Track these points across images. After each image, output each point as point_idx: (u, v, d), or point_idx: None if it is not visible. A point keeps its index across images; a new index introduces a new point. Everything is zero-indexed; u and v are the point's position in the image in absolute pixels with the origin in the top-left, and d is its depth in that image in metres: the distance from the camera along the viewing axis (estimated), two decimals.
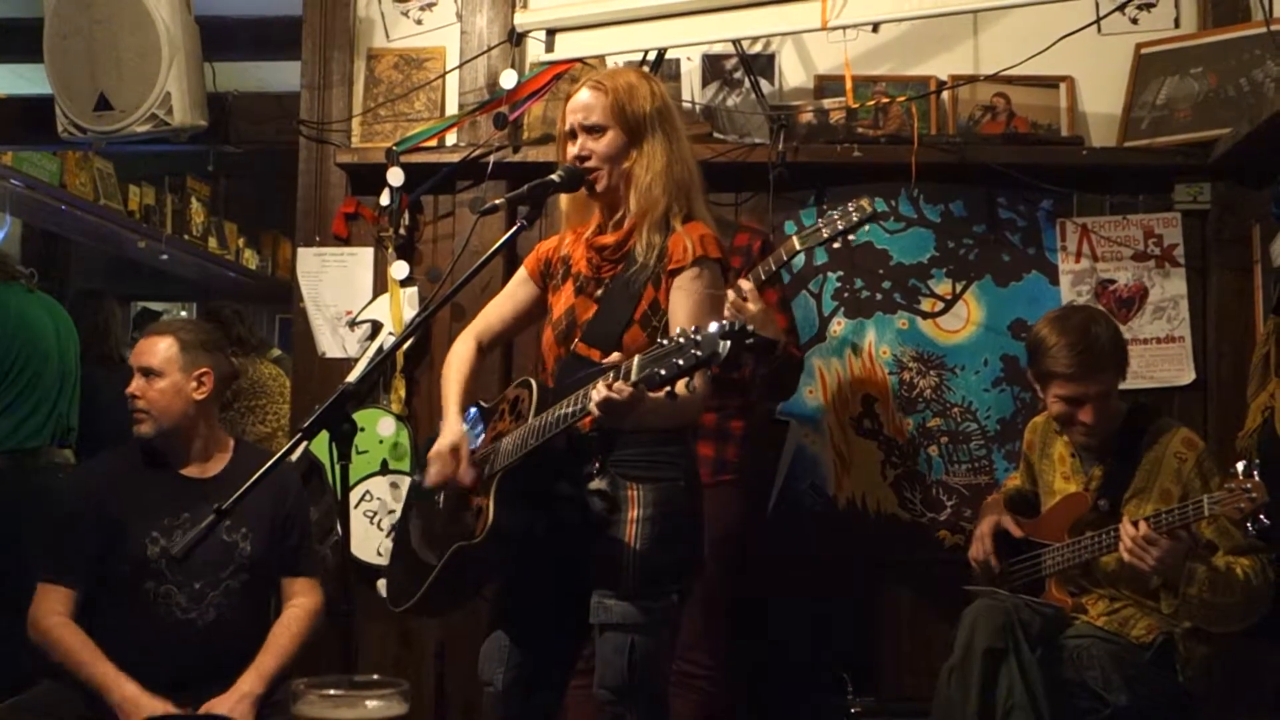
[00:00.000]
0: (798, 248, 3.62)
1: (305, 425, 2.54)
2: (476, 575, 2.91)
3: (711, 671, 3.60)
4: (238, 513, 2.71)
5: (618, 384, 2.42)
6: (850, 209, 3.59)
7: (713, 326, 2.30)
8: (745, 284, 3.42)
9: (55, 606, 3.26)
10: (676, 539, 2.81)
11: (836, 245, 4.10)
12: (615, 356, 2.48)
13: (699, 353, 2.29)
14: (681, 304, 2.76)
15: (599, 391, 2.46)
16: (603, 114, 2.84)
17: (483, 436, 2.93)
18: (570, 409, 2.59)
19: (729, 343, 2.27)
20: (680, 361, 2.32)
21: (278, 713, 3.19)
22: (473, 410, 3.00)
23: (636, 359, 2.41)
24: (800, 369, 3.85)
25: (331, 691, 1.61)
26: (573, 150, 2.87)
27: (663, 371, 2.34)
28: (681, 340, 2.32)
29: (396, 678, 1.65)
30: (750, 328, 2.29)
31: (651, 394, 2.41)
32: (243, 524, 3.33)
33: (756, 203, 4.33)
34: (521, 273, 3.09)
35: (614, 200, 2.89)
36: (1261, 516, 3.28)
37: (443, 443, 2.84)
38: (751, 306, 3.39)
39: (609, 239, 2.89)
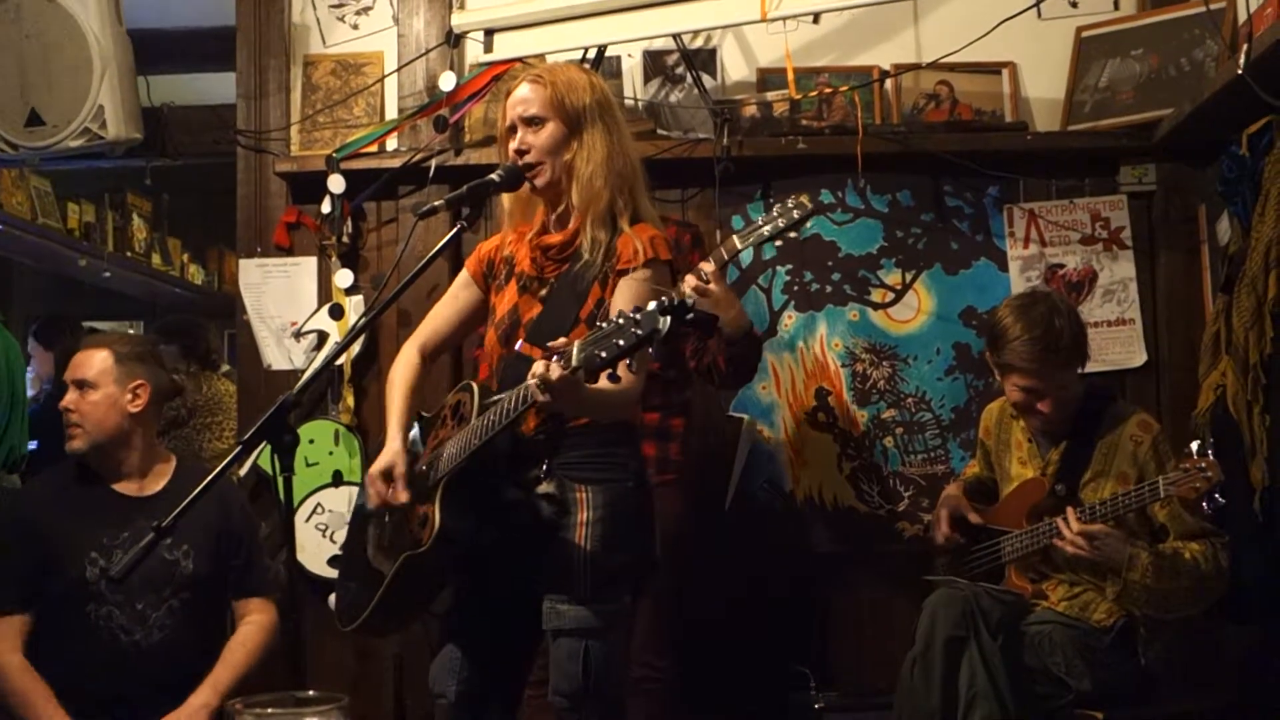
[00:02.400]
0: (739, 246, 3.55)
1: (244, 437, 2.48)
2: (426, 585, 2.85)
3: (662, 673, 3.55)
4: (179, 530, 2.64)
5: (556, 367, 2.38)
6: (790, 205, 3.54)
7: (651, 304, 2.25)
8: (707, 266, 3.37)
9: (7, 642, 3.19)
10: (628, 540, 2.77)
11: (779, 242, 4.05)
12: (559, 342, 2.43)
13: (639, 331, 2.25)
14: (625, 297, 2.71)
15: (538, 372, 2.41)
16: (541, 106, 2.79)
17: (423, 452, 2.88)
18: (512, 404, 2.55)
19: (669, 318, 2.23)
20: (621, 341, 2.27)
21: None
22: (414, 429, 2.93)
23: (576, 344, 2.37)
24: (760, 350, 3.81)
25: (269, 710, 1.55)
26: (513, 145, 2.82)
27: (603, 353, 2.29)
28: (621, 321, 2.28)
29: (338, 693, 1.59)
30: (690, 302, 2.25)
31: (591, 383, 2.38)
32: (184, 541, 3.27)
33: (703, 198, 4.30)
34: (463, 275, 3.03)
35: (556, 195, 2.84)
36: (1217, 496, 3.28)
37: (376, 466, 2.79)
38: (714, 288, 3.34)
39: (554, 238, 2.85)
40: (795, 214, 3.50)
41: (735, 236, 3.52)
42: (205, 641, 3.34)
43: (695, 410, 4.00)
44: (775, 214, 3.51)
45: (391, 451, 2.79)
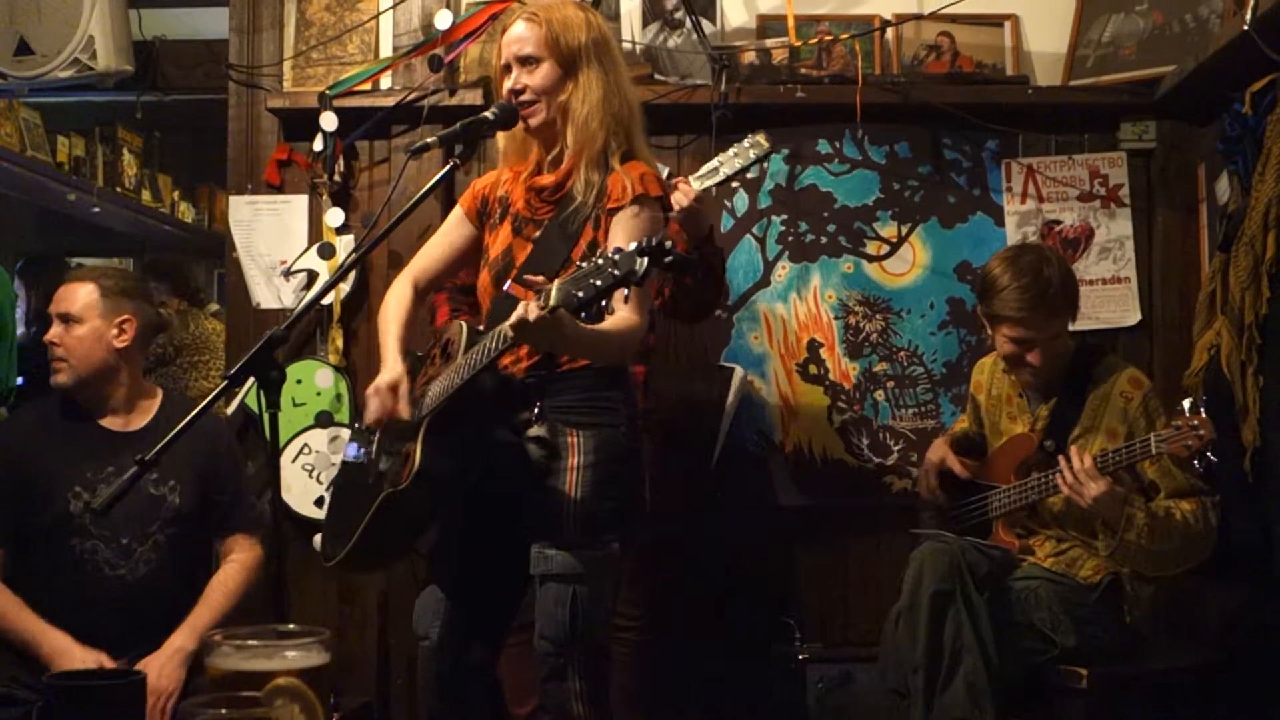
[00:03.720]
0: (696, 189, 3.52)
1: (231, 372, 2.46)
2: (407, 524, 2.83)
3: (638, 622, 3.54)
4: (165, 465, 2.63)
5: (532, 305, 2.36)
6: (748, 144, 3.51)
7: (630, 245, 2.25)
8: (685, 186, 3.35)
9: None
10: (618, 486, 2.75)
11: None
12: (538, 279, 2.41)
13: (616, 271, 2.25)
14: (619, 240, 2.68)
15: (516, 314, 2.40)
16: (537, 45, 2.76)
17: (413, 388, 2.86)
18: (494, 342, 2.54)
19: (646, 259, 2.23)
20: (598, 281, 2.27)
21: None
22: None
23: (556, 283, 2.36)
24: (722, 285, 3.78)
25: (250, 642, 1.53)
26: (508, 84, 2.79)
27: (580, 293, 2.29)
28: (600, 261, 2.29)
29: (319, 627, 1.57)
30: (669, 244, 2.24)
31: (575, 319, 2.38)
32: (170, 476, 3.25)
33: (699, 146, 4.25)
34: (457, 212, 3.00)
35: (551, 136, 2.81)
36: (1209, 455, 3.26)
37: (381, 379, 2.77)
38: (693, 189, 3.33)
39: (547, 180, 2.81)
40: (752, 153, 3.49)
41: (691, 178, 3.48)
42: (190, 577, 3.33)
43: (684, 360, 3.99)
44: (732, 153, 3.48)
45: (395, 369, 2.77)
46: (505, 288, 2.77)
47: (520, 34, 2.78)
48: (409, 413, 2.72)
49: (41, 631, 3.09)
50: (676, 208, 3.25)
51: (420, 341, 3.08)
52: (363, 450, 2.91)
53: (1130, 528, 3.17)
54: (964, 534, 3.44)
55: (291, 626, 1.58)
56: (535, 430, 2.73)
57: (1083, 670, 3.24)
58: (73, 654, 3.04)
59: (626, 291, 2.31)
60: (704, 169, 3.53)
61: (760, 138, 3.51)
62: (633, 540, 2.87)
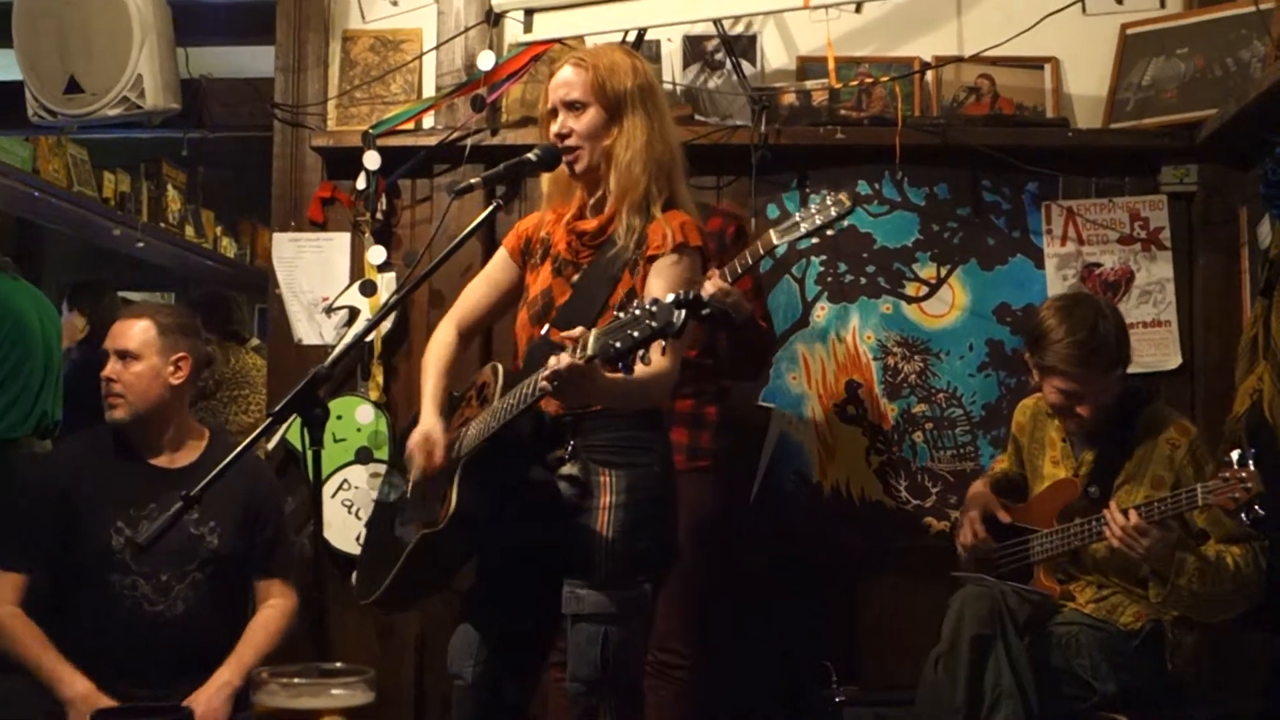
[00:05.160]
0: (775, 243, 3.54)
1: (275, 410, 2.48)
2: (442, 564, 2.86)
3: (689, 661, 3.54)
4: (206, 505, 2.64)
5: (567, 357, 2.38)
6: (829, 203, 3.52)
7: (668, 297, 2.26)
8: (716, 279, 3.38)
9: (5, 594, 3.19)
10: (650, 526, 2.76)
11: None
12: (576, 331, 2.43)
13: (654, 323, 2.26)
14: (657, 288, 2.69)
15: (551, 365, 2.42)
16: (583, 90, 2.79)
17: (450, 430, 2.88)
18: (529, 389, 2.56)
19: (683, 312, 2.24)
20: (635, 333, 2.28)
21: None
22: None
23: (593, 333, 2.38)
24: (772, 345, 3.79)
25: (295, 680, 1.54)
26: (554, 128, 2.82)
27: (617, 344, 2.30)
28: (637, 312, 2.29)
29: (364, 666, 1.58)
30: (705, 297, 2.25)
31: (610, 370, 2.39)
32: (210, 516, 3.27)
33: (738, 186, 4.27)
34: (501, 253, 3.03)
35: (594, 180, 2.84)
36: (1256, 507, 3.23)
37: (416, 435, 2.80)
38: (734, 293, 3.35)
39: (590, 224, 2.84)
40: (834, 211, 3.50)
41: (772, 232, 3.52)
42: (226, 616, 3.34)
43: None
44: (814, 210, 3.49)
45: (429, 422, 2.81)
46: (544, 331, 2.78)
47: (567, 79, 2.81)
48: (444, 462, 2.75)
49: (61, 672, 3.09)
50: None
51: (465, 380, 3.10)
52: (398, 491, 2.94)
53: (1182, 573, 3.13)
54: (1004, 578, 3.41)
55: (338, 665, 1.59)
56: (568, 469, 2.74)
57: (1123, 718, 3.20)
58: (91, 701, 3.02)
59: (664, 343, 2.32)
60: (785, 224, 3.54)
61: (843, 196, 3.51)
62: (664, 580, 2.87)
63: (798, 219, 3.53)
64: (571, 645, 2.74)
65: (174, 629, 3.23)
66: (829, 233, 3.76)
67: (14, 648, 3.14)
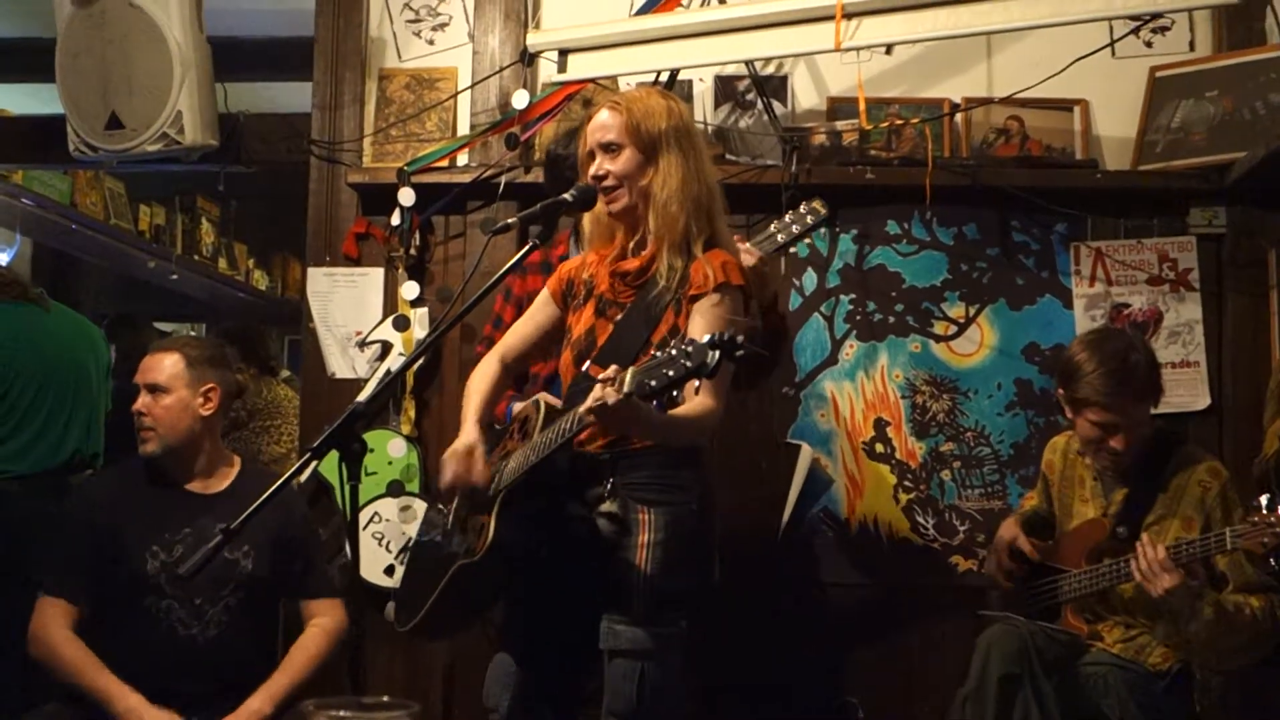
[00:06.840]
0: (756, 253, 3.54)
1: (315, 445, 2.51)
2: (479, 594, 2.89)
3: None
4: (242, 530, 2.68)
5: (609, 390, 2.42)
6: (804, 211, 3.52)
7: (704, 337, 2.31)
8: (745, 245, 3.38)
9: (56, 620, 3.25)
10: (687, 563, 2.79)
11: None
12: (613, 369, 2.47)
13: (688, 363, 2.31)
14: (698, 328, 2.73)
15: (592, 397, 2.47)
16: (619, 132, 2.84)
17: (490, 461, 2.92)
18: (570, 423, 2.60)
19: (718, 353, 2.28)
20: (670, 372, 2.33)
21: None
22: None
23: (630, 370, 2.42)
24: (779, 342, 3.78)
25: (341, 713, 1.57)
26: (592, 170, 2.87)
27: (652, 382, 2.35)
28: (673, 351, 2.34)
29: (409, 700, 1.61)
30: (740, 338, 2.28)
31: (646, 404, 2.43)
32: (245, 542, 3.30)
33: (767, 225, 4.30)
34: (544, 294, 3.08)
35: (633, 221, 2.88)
36: None
37: (458, 444, 2.85)
38: (757, 252, 3.37)
39: (631, 265, 2.88)
40: (809, 220, 3.50)
41: (749, 243, 3.50)
42: (257, 640, 3.38)
43: (752, 436, 4.01)
44: (789, 220, 3.50)
45: (468, 435, 2.86)
46: (584, 368, 2.82)
47: (604, 121, 2.87)
48: (483, 476, 2.78)
49: (116, 689, 3.14)
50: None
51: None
52: (439, 522, 2.97)
53: (1194, 620, 3.14)
54: (1032, 617, 3.42)
55: (384, 699, 1.62)
56: (607, 506, 2.77)
57: None
58: (145, 714, 3.10)
59: (698, 383, 2.36)
60: (761, 236, 3.55)
61: (816, 204, 3.52)
62: (701, 617, 2.90)
63: (773, 230, 3.53)
64: (608, 681, 2.77)
65: (206, 653, 3.26)
66: (857, 271, 3.76)
67: (66, 668, 3.20)
